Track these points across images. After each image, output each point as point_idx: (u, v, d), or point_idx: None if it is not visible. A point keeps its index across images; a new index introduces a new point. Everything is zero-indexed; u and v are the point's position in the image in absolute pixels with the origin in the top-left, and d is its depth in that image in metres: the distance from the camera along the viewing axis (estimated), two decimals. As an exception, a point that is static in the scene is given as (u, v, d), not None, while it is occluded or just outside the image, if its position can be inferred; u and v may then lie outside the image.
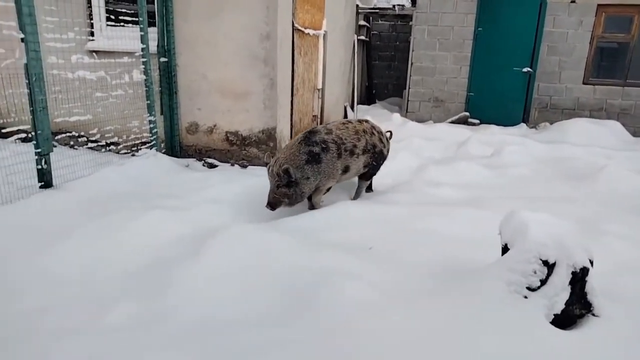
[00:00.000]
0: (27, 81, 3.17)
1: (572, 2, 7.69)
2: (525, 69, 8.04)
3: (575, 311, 2.10)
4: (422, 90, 8.65)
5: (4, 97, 3.83)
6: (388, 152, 4.24)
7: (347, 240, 3.01)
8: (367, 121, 4.09)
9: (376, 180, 4.50)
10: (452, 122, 8.22)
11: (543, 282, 2.07)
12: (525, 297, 2.06)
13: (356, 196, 4.19)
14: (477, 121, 8.26)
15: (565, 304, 2.05)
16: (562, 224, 2.20)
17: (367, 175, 4.12)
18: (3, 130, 3.28)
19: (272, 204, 3.46)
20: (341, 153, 3.65)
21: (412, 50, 8.55)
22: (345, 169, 3.77)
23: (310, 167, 3.48)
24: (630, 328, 2.07)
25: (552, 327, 2.01)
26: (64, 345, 1.96)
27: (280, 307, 2.22)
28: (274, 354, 1.91)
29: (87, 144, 4.27)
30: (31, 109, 3.22)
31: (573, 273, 2.06)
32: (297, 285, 2.34)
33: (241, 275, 2.48)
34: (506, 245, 2.27)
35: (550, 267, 2.06)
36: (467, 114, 8.37)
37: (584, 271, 2.08)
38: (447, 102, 8.59)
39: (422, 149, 6.05)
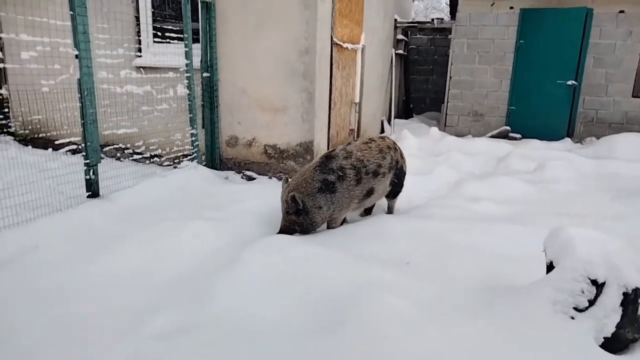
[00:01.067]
0: (79, 95, 3.34)
1: (620, 12, 7.42)
2: (569, 82, 7.80)
3: (627, 335, 1.99)
4: (461, 104, 8.53)
5: (58, 111, 4.05)
6: (406, 167, 4.08)
7: (385, 254, 2.98)
8: (388, 137, 3.94)
9: (414, 194, 4.45)
10: (492, 137, 8.04)
11: (591, 302, 1.97)
12: (572, 317, 1.97)
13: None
14: (518, 135, 8.05)
15: (616, 327, 1.95)
16: (611, 241, 2.10)
17: (392, 194, 3.94)
18: (56, 142, 3.46)
19: (283, 232, 3.30)
20: (361, 178, 3.44)
21: (451, 64, 8.46)
22: (369, 192, 3.57)
23: (323, 196, 3.28)
24: (687, 354, 1.94)
25: (602, 350, 1.91)
26: (107, 352, 2.02)
27: (317, 318, 2.21)
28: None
29: (132, 156, 4.44)
30: (82, 121, 3.39)
31: (624, 294, 1.96)
32: (335, 298, 2.32)
33: (279, 285, 2.49)
34: (551, 263, 2.19)
35: (599, 286, 1.97)
36: (508, 128, 8.17)
37: (637, 292, 1.98)
38: (487, 116, 8.42)
39: (461, 163, 5.93)
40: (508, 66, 8.15)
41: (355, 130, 6.43)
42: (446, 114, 8.64)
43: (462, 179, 5.18)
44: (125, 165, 4.15)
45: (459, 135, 8.13)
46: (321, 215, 3.32)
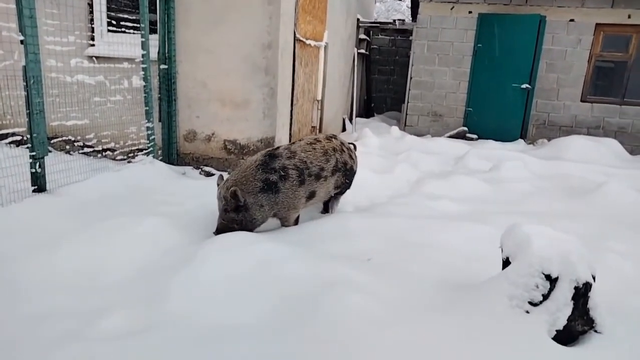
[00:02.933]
0: (24, 83, 3.13)
1: (570, 20, 7.76)
2: (524, 86, 8.08)
3: (577, 327, 2.05)
4: (421, 104, 8.68)
5: (0, 99, 3.79)
6: (357, 166, 3.97)
7: (347, 252, 2.97)
8: (335, 137, 3.79)
9: (376, 192, 4.47)
10: (450, 137, 8.23)
11: (545, 296, 2.03)
12: (527, 311, 2.02)
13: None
14: (474, 136, 8.27)
15: (568, 320, 2.01)
16: (564, 238, 2.17)
17: (340, 193, 3.90)
18: (-1, 132, 3.24)
19: (220, 231, 3.11)
20: (304, 179, 3.32)
21: (412, 65, 8.59)
22: (311, 195, 3.45)
23: (265, 197, 3.17)
24: (632, 345, 2.03)
25: (554, 343, 1.97)
26: (62, 353, 1.90)
27: (280, 317, 2.16)
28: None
29: (82, 149, 4.22)
30: (28, 111, 3.18)
31: (576, 288, 2.02)
32: (298, 296, 2.28)
33: (240, 284, 2.43)
34: (507, 259, 2.23)
35: (552, 281, 2.03)
36: (465, 128, 8.38)
37: (587, 286, 2.05)
38: (446, 116, 8.60)
39: (421, 162, 6.02)
40: (466, 69, 8.36)
41: (317, 127, 6.40)
42: (406, 114, 8.76)
43: (422, 177, 5.26)
44: (75, 159, 3.93)
45: (419, 134, 8.27)
46: (262, 213, 3.20)
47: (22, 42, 3.09)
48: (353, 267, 2.66)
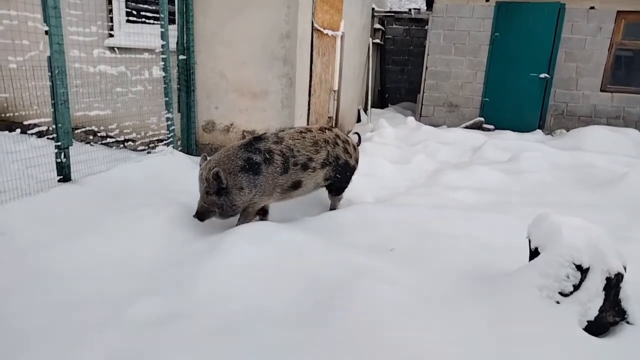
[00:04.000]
0: (49, 74, 3.16)
1: (591, 8, 7.61)
2: (542, 75, 7.97)
3: (608, 318, 2.04)
4: (437, 94, 8.60)
5: (27, 90, 3.83)
6: (357, 161, 3.72)
7: (370, 241, 2.97)
8: (330, 129, 3.59)
9: (394, 182, 4.45)
10: (467, 127, 8.15)
11: (576, 287, 2.01)
12: (558, 302, 2.00)
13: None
14: (491, 127, 8.19)
15: (599, 311, 2.00)
16: (594, 228, 2.14)
17: (334, 190, 3.65)
18: (25, 123, 3.27)
19: (200, 214, 3.01)
20: (288, 167, 3.15)
21: (427, 55, 8.50)
22: (296, 185, 3.27)
23: (245, 177, 3.00)
24: (665, 337, 2.01)
25: (585, 333, 1.95)
26: (96, 337, 1.94)
27: (307, 306, 2.17)
28: (302, 356, 1.86)
29: (103, 140, 4.26)
30: (53, 102, 3.21)
31: (607, 279, 2.01)
32: (325, 285, 2.29)
33: (265, 271, 2.44)
34: (536, 249, 2.21)
35: (583, 272, 2.01)
36: (482, 119, 8.30)
37: (619, 277, 2.03)
38: (462, 107, 8.52)
39: (438, 152, 5.99)
40: (483, 58, 8.25)
41: (334, 118, 6.38)
42: (422, 104, 8.69)
43: (440, 168, 5.23)
44: (97, 150, 3.98)
45: (434, 125, 8.21)
46: (242, 197, 3.03)
47: (46, 32, 3.11)
48: (377, 256, 2.67)
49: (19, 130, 3.19)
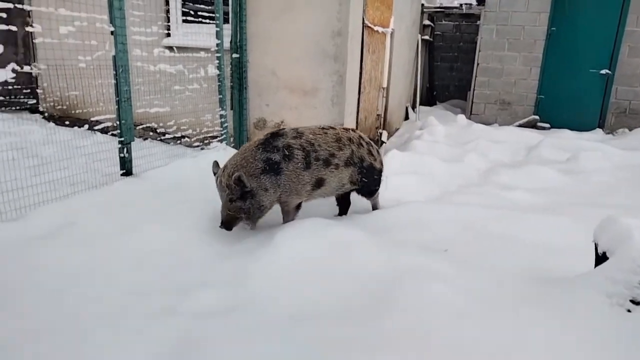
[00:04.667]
0: (114, 72, 3.32)
1: (659, -1, 7.16)
2: (603, 71, 7.57)
3: (685, 329, 1.91)
4: (488, 92, 8.35)
5: (94, 88, 4.04)
6: (382, 164, 3.54)
7: (422, 241, 2.93)
8: (354, 130, 3.46)
9: (446, 181, 4.37)
10: (520, 126, 7.88)
11: (649, 295, 1.90)
12: (629, 310, 1.90)
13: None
14: (547, 125, 7.87)
15: (675, 321, 1.88)
16: (669, 233, 2.01)
17: (364, 193, 3.48)
18: (91, 120, 3.45)
19: (227, 223, 2.84)
20: (310, 162, 2.97)
21: (479, 51, 8.27)
22: (319, 183, 3.08)
23: (268, 178, 2.85)
24: None
25: (659, 345, 1.84)
26: (160, 327, 2.02)
27: (360, 303, 2.17)
28: (354, 354, 1.86)
29: (162, 136, 4.42)
30: (117, 99, 3.37)
31: (685, 287, 1.88)
32: (378, 283, 2.28)
33: (318, 267, 2.46)
34: (604, 253, 2.11)
35: (658, 279, 1.90)
36: (537, 117, 7.98)
37: (697, 286, 1.89)
38: (515, 104, 8.23)
39: (490, 151, 5.82)
40: (538, 54, 7.94)
41: (382, 115, 6.33)
42: (472, 102, 8.47)
43: (493, 167, 5.09)
44: (154, 145, 4.14)
45: (485, 123, 7.96)
46: (268, 197, 2.89)
47: (112, 32, 3.26)
48: (429, 256, 2.63)
49: (86, 126, 3.36)
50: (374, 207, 3.69)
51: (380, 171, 3.50)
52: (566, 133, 7.11)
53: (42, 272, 2.35)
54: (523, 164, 5.11)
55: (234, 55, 4.74)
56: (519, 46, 8.02)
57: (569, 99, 7.83)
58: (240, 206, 2.81)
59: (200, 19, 4.51)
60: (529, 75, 8.06)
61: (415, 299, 2.16)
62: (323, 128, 3.21)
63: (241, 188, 2.73)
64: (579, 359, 1.76)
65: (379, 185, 3.55)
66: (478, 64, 8.31)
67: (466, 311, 2.06)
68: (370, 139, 3.54)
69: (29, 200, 2.83)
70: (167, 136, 4.28)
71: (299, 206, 3.24)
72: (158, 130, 4.08)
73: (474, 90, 8.42)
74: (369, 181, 3.37)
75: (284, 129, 3.08)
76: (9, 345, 1.87)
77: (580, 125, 7.61)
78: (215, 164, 3.01)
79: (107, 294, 2.26)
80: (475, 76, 8.37)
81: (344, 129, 3.34)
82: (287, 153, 2.89)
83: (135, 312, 2.13)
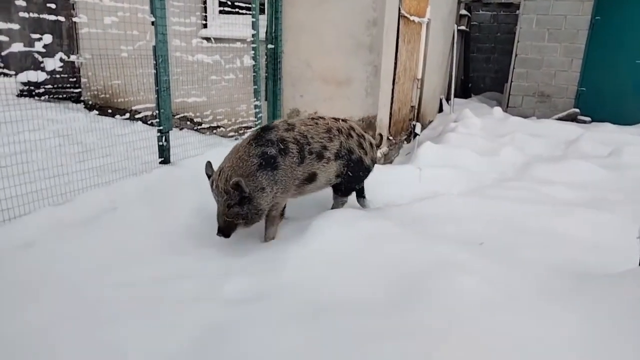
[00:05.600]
0: (154, 62, 3.40)
1: None
2: (649, 63, 7.23)
3: None
4: (526, 84, 8.12)
5: (135, 77, 4.16)
6: (373, 162, 3.30)
7: (456, 234, 2.90)
8: (345, 120, 3.22)
9: (481, 174, 4.29)
10: (559, 119, 7.63)
11: (698, 295, 1.83)
12: (675, 310, 1.83)
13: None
14: (587, 118, 7.59)
15: None
16: None
17: (341, 189, 3.20)
18: (131, 109, 3.56)
19: (225, 229, 2.67)
20: (304, 156, 2.82)
21: (517, 41, 8.03)
22: (311, 178, 2.91)
23: (264, 175, 2.66)
24: None
25: None
26: (191, 313, 2.08)
27: (392, 295, 2.17)
28: (386, 344, 1.87)
29: (197, 126, 4.51)
30: (156, 89, 3.45)
31: None
32: (410, 274, 2.27)
33: (349, 259, 2.47)
34: (650, 250, 2.04)
35: None
36: (577, 110, 7.72)
37: None
38: (554, 97, 7.98)
39: (527, 145, 5.67)
40: (580, 44, 7.65)
41: (417, 107, 6.26)
42: (509, 94, 8.26)
43: (530, 161, 4.96)
44: (190, 135, 4.23)
45: (523, 116, 7.76)
46: (266, 199, 2.70)
47: (153, 23, 3.34)
48: (465, 250, 2.59)
49: (127, 114, 3.46)
50: (334, 207, 3.33)
51: (368, 169, 3.25)
52: (608, 127, 6.85)
53: (82, 256, 2.44)
54: (562, 159, 4.95)
55: (269, 46, 4.77)
56: (560, 36, 7.75)
57: (612, 91, 7.52)
58: (239, 212, 2.64)
59: (237, 10, 4.55)
60: (570, 66, 7.78)
61: (446, 292, 2.14)
62: (313, 118, 3.03)
63: (239, 193, 2.58)
64: (618, 356, 1.71)
65: (359, 184, 3.33)
66: (516, 55, 8.08)
67: (495, 305, 2.03)
68: (364, 132, 3.32)
69: (75, 185, 2.95)
70: (203, 126, 4.36)
71: (282, 211, 3.08)
72: (195, 120, 4.15)
73: (511, 82, 8.20)
74: (352, 176, 3.12)
75: (274, 122, 2.93)
76: (49, 329, 1.93)
77: (623, 119, 7.31)
78: (209, 165, 2.81)
79: (140, 280, 2.33)
80: (513, 68, 8.14)
81: (333, 118, 3.12)
82: (282, 147, 2.73)
83: (166, 299, 2.19)
